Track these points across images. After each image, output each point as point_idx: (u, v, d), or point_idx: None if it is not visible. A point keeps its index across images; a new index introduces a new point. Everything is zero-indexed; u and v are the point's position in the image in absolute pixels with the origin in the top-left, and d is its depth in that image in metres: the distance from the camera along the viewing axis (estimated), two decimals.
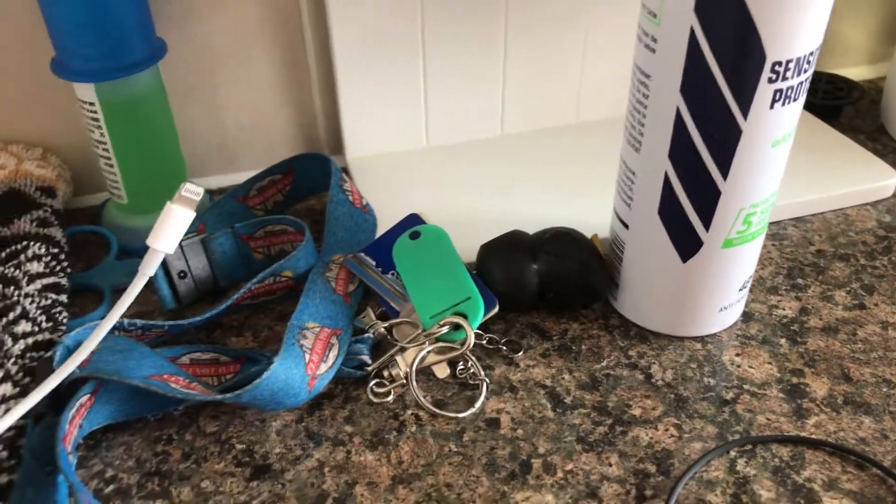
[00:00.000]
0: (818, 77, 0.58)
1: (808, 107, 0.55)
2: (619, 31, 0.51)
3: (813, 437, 0.33)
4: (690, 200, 0.33)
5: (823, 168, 0.48)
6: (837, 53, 0.61)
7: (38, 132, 0.46)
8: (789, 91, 0.30)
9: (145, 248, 0.42)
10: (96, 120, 0.41)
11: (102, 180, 0.49)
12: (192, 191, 0.29)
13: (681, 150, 0.32)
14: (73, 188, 0.47)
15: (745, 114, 0.30)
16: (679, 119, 0.31)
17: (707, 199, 0.33)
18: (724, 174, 0.32)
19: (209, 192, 0.49)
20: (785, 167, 0.34)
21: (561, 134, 0.53)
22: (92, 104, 0.40)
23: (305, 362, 0.33)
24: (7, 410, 0.30)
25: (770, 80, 0.30)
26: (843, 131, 0.54)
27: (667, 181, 0.33)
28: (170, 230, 0.29)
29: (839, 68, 0.62)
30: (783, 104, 0.30)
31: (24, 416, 0.29)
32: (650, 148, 0.33)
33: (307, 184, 0.47)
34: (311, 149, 0.52)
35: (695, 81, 0.30)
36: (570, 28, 0.50)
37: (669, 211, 0.34)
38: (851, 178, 0.47)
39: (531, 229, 0.40)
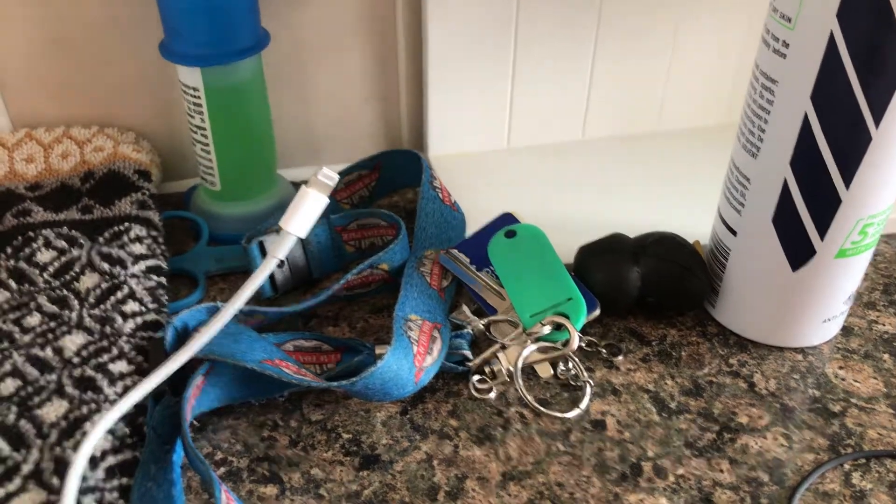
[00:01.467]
0: None
1: None
2: (707, 40, 0.51)
3: None
4: (808, 209, 0.33)
5: None
6: None
7: (129, 117, 0.47)
8: None
9: (234, 236, 0.43)
10: (198, 105, 0.41)
11: (188, 167, 0.49)
12: (328, 175, 0.29)
13: (804, 157, 0.32)
14: (162, 174, 0.47)
15: (877, 122, 0.30)
16: (806, 126, 0.31)
17: (826, 209, 0.33)
18: (847, 183, 0.32)
19: (294, 185, 0.49)
20: None
21: (642, 140, 0.53)
22: (196, 89, 0.40)
23: (413, 354, 0.33)
24: (125, 387, 0.30)
25: None
26: None
27: (785, 188, 0.33)
28: (304, 214, 0.29)
29: None
30: None
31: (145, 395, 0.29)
32: (770, 154, 0.33)
33: (392, 180, 0.47)
34: (392, 145, 0.52)
35: (828, 88, 0.30)
36: (659, 37, 0.50)
37: (784, 219, 0.34)
38: None
39: (620, 231, 0.40)
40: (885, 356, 0.37)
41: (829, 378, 0.36)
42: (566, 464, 0.32)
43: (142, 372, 0.32)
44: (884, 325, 0.39)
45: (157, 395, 0.30)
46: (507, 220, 0.42)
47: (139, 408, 0.30)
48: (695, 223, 0.43)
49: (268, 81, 0.47)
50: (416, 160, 0.45)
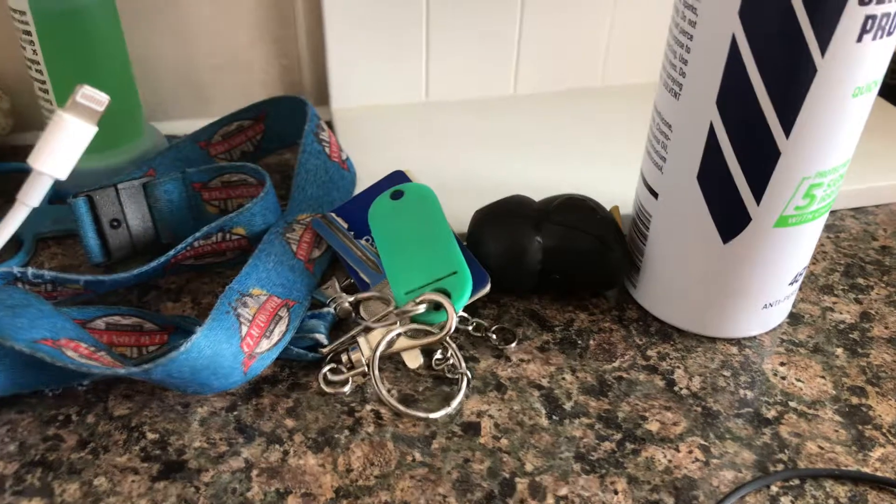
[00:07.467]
0: None
1: None
2: None
3: (879, 474, 0.25)
4: (740, 163, 0.26)
5: (891, 154, 0.40)
6: None
7: None
8: (884, 20, 0.23)
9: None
10: (28, 34, 0.34)
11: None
12: (92, 97, 0.22)
13: (733, 94, 0.25)
14: (12, 122, 0.41)
15: (823, 47, 0.23)
16: (734, 53, 0.24)
17: (762, 163, 0.26)
18: (788, 129, 0.25)
19: (168, 137, 0.42)
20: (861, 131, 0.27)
21: (583, 97, 0.46)
22: (23, 13, 0.33)
23: (241, 336, 0.27)
24: None
25: (861, 2, 0.22)
26: None
27: (711, 137, 0.26)
28: (59, 147, 0.22)
29: None
30: (874, 37, 0.23)
31: None
32: (693, 92, 0.26)
33: (282, 133, 0.40)
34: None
35: (759, 2, 0.23)
36: None
37: (712, 176, 0.27)
38: None
39: (538, 198, 0.33)
40: (839, 350, 0.30)
41: (766, 376, 0.29)
42: (420, 478, 0.25)
43: None
44: (840, 312, 0.32)
45: None
46: (397, 178, 0.35)
47: None
48: (625, 191, 0.36)
49: (131, 13, 0.40)
50: (302, 107, 0.38)
